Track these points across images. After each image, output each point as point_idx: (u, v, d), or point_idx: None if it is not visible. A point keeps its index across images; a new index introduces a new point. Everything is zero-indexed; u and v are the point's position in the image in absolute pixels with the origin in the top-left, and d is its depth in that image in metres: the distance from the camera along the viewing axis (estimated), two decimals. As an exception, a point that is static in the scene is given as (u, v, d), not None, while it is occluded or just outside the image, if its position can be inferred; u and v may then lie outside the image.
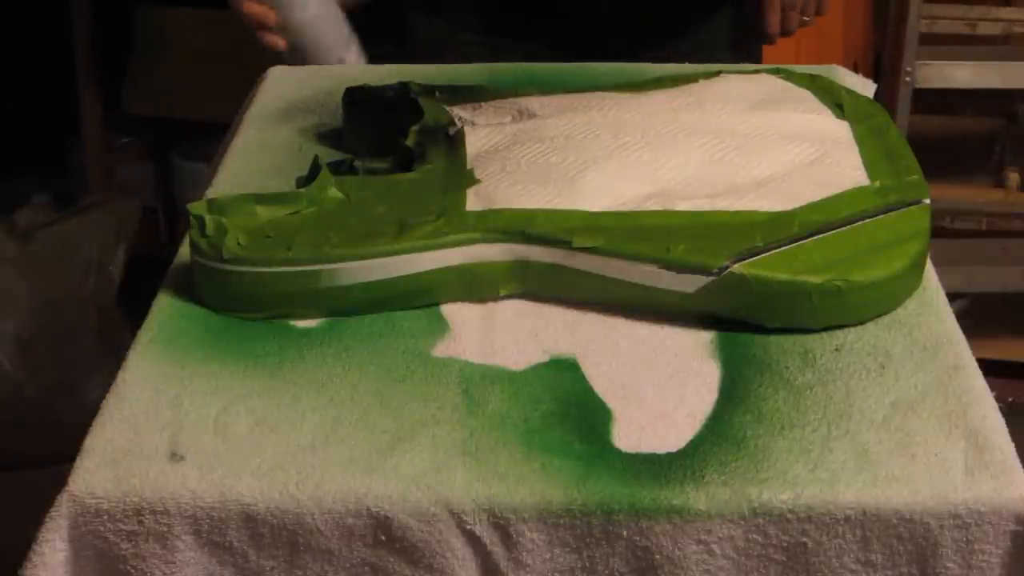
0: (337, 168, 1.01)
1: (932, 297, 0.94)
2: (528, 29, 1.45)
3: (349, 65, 1.34)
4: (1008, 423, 0.83)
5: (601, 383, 0.87)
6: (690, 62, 1.28)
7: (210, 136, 2.22)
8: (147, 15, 2.40)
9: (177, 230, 2.46)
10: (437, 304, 0.93)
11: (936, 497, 0.77)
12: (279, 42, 1.33)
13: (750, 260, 0.89)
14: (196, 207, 0.94)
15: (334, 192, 0.96)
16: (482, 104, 1.09)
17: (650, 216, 0.93)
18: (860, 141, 1.02)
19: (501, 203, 0.94)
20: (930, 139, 2.28)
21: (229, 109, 1.35)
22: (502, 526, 0.78)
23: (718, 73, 1.13)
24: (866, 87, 1.22)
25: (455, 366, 0.88)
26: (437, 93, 1.11)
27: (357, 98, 1.15)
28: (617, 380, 0.87)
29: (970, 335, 0.91)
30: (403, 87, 1.14)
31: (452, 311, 0.93)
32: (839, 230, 0.92)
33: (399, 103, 1.11)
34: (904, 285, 0.93)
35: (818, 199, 0.94)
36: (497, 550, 0.79)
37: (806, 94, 1.07)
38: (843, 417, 0.83)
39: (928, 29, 2.32)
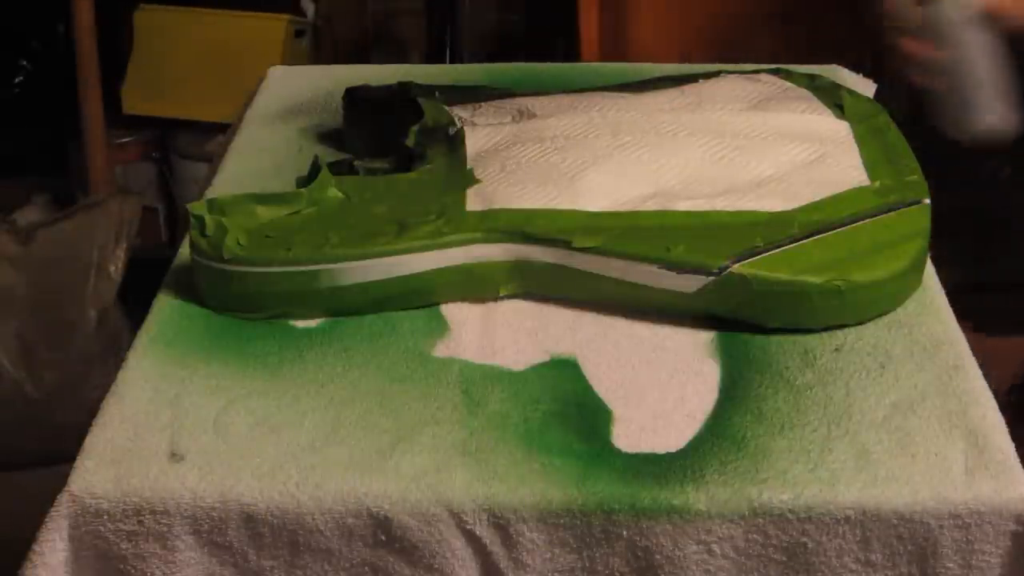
0: (337, 168, 1.01)
1: (932, 297, 0.94)
2: None
3: (349, 65, 1.34)
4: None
5: (601, 383, 0.86)
6: None
7: (210, 136, 2.22)
8: (147, 15, 2.39)
9: (177, 230, 2.46)
10: (437, 304, 0.93)
11: (936, 497, 0.77)
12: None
13: (750, 260, 0.89)
14: (196, 207, 0.94)
15: (334, 192, 0.96)
16: (482, 104, 1.09)
17: (650, 216, 0.93)
18: (860, 141, 1.02)
19: (501, 203, 0.94)
20: (930, 139, 2.27)
21: (229, 109, 1.35)
22: (502, 526, 0.78)
23: (718, 73, 1.13)
24: (866, 87, 1.22)
25: (455, 366, 0.88)
26: (437, 93, 1.11)
27: (357, 98, 1.15)
28: (617, 380, 0.87)
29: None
30: (403, 87, 1.14)
31: (452, 311, 0.93)
32: (839, 230, 0.92)
33: (399, 103, 1.11)
34: (904, 285, 0.93)
35: (818, 199, 0.94)
36: (497, 550, 0.79)
37: (806, 94, 1.07)
38: (843, 417, 0.82)
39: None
